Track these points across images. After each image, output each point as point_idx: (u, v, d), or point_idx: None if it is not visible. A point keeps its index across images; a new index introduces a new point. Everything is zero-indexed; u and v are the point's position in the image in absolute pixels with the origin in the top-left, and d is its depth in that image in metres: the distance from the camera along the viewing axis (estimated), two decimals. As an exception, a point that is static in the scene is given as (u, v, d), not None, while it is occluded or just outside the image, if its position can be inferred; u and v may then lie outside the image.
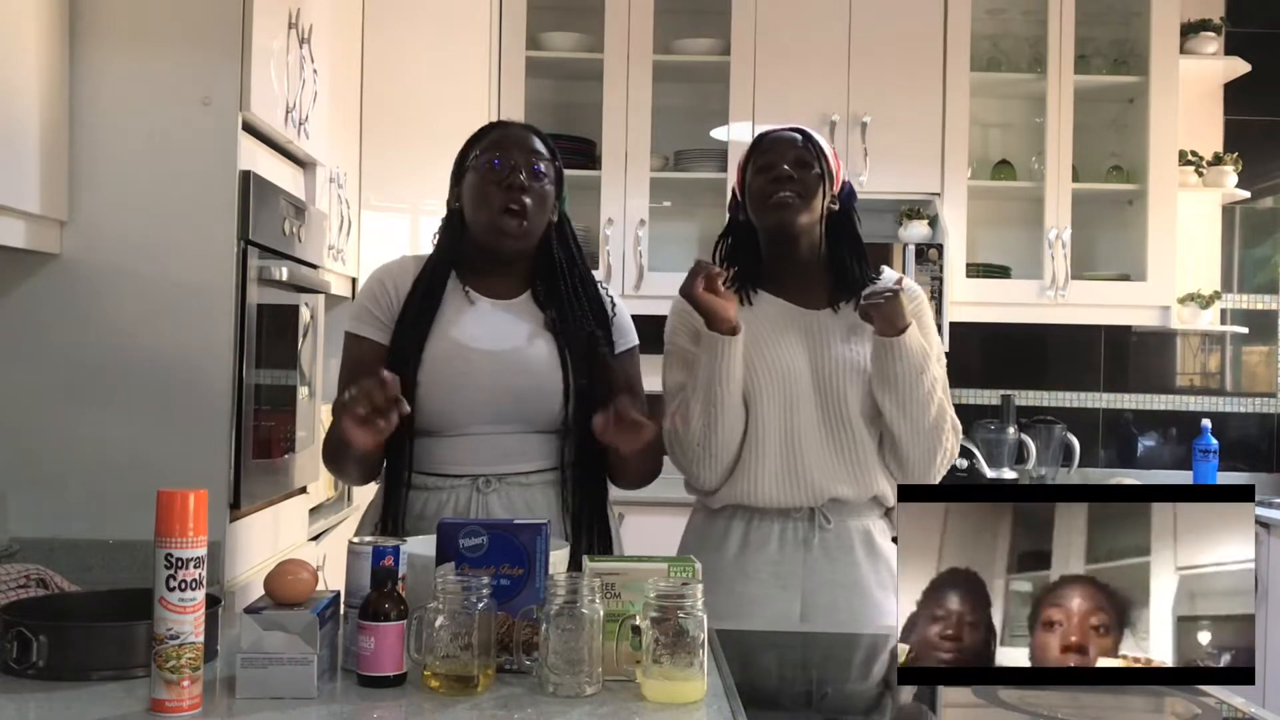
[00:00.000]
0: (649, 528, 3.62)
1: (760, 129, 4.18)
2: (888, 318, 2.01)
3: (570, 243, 2.08)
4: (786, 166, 2.09)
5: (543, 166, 2.01)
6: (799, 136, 2.14)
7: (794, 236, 2.13)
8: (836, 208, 2.16)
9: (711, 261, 1.96)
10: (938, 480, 2.12)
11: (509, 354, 1.98)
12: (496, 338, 1.99)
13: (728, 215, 2.27)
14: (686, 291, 1.99)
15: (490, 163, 1.99)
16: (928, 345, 2.09)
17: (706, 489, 2.14)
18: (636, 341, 2.13)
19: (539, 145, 2.03)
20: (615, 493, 2.08)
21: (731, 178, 4.01)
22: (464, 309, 2.01)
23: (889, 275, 2.20)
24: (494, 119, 3.84)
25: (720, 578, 2.08)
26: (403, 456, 1.97)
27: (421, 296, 2.00)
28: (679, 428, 2.08)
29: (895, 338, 2.02)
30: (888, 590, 2.06)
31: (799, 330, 2.12)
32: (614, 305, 2.10)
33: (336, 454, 1.98)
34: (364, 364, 1.95)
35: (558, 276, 2.04)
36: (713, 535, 2.14)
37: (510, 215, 1.96)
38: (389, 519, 1.95)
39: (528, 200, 1.97)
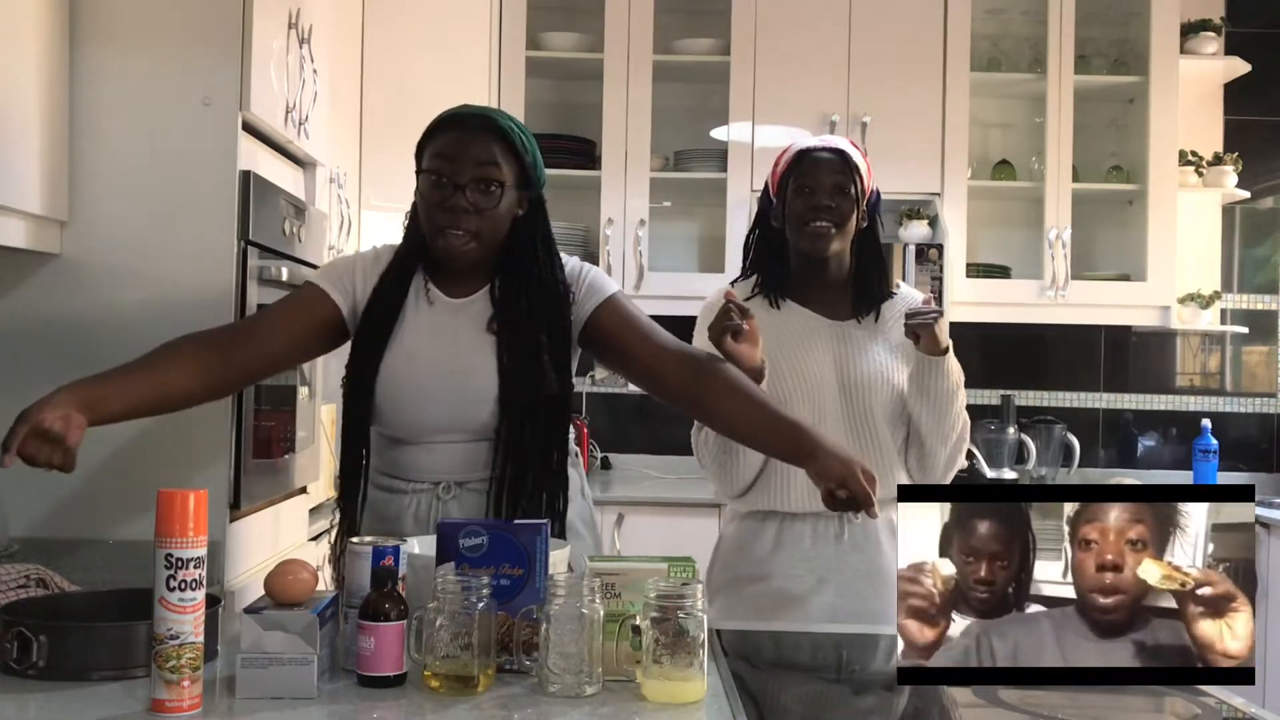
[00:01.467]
0: (649, 528, 3.63)
1: (763, 128, 4.11)
2: (935, 337, 2.10)
3: (535, 234, 1.95)
4: (825, 196, 2.15)
5: (495, 177, 1.87)
6: (838, 159, 2.18)
7: (826, 260, 2.21)
8: (866, 224, 2.23)
9: (737, 300, 1.98)
10: (948, 480, 2.22)
11: (448, 363, 1.91)
12: (442, 342, 1.92)
13: (757, 208, 2.31)
14: (716, 340, 1.98)
15: (434, 180, 1.87)
16: None
17: (727, 498, 2.26)
18: (614, 290, 1.99)
19: (494, 150, 1.88)
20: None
21: (732, 178, 4.08)
22: (421, 312, 1.94)
23: (907, 291, 2.30)
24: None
25: (758, 575, 2.18)
26: (360, 464, 1.95)
27: (384, 300, 1.93)
28: (698, 450, 2.19)
29: (940, 357, 2.12)
30: None
31: (826, 341, 2.20)
32: (584, 272, 1.99)
33: None
34: (301, 306, 1.95)
35: (515, 271, 1.94)
36: (748, 537, 2.21)
37: (453, 239, 1.87)
38: (346, 521, 1.93)
39: (471, 226, 1.87)
